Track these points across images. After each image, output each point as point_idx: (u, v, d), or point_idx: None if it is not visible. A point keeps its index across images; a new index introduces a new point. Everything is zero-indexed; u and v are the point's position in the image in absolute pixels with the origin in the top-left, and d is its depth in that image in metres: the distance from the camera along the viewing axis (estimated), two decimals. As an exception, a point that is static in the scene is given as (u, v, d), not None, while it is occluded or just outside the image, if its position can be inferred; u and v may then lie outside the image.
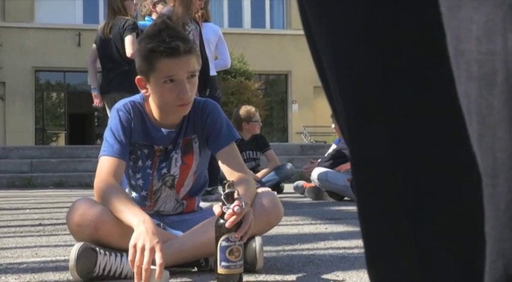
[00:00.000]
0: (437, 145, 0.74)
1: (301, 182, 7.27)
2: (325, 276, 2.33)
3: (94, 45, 6.39)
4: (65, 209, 5.52)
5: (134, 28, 6.02)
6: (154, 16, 6.48)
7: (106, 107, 6.32)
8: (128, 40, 5.96)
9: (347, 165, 6.41)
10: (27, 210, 5.61)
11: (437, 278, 0.75)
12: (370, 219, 0.81)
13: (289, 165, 7.89)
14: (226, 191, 2.18)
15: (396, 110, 0.75)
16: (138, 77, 2.54)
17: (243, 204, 2.17)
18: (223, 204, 2.18)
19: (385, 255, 0.80)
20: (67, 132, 25.72)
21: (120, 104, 2.64)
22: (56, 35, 23.25)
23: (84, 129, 26.97)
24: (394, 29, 0.74)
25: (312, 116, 25.02)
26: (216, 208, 2.20)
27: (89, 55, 6.51)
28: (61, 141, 25.77)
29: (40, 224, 4.30)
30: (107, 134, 2.56)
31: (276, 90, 26.16)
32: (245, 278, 2.28)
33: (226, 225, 2.15)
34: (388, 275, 0.80)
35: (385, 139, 0.76)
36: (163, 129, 2.61)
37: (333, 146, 7.38)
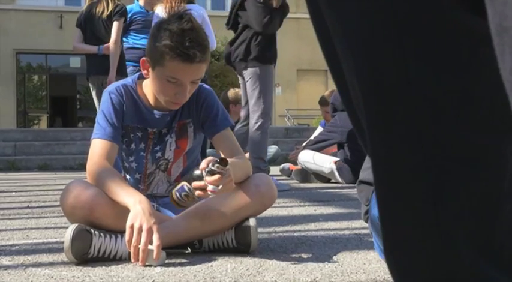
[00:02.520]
0: (459, 130, 0.75)
1: (287, 165, 7.29)
2: (319, 257, 2.34)
3: (78, 30, 6.36)
4: (51, 191, 5.55)
5: (123, 14, 6.04)
6: (141, 1, 6.42)
7: (91, 89, 6.30)
8: (115, 26, 6.00)
9: (333, 148, 6.44)
10: (14, 193, 5.58)
11: (458, 258, 0.76)
12: (389, 202, 0.81)
13: (275, 148, 7.91)
14: (215, 168, 2.18)
15: (418, 97, 0.75)
16: (144, 58, 2.52)
17: (220, 184, 2.19)
18: (207, 173, 2.19)
19: (405, 238, 0.80)
20: (49, 115, 25.58)
21: (112, 86, 2.62)
22: (37, 17, 23.06)
23: (66, 112, 26.83)
24: (414, 16, 0.73)
25: (295, 99, 25.04)
26: (204, 163, 2.21)
27: (74, 39, 6.46)
28: (43, 124, 25.61)
29: (28, 207, 4.29)
30: (99, 116, 2.55)
31: (259, 73, 26.11)
32: (239, 258, 2.30)
33: (192, 185, 2.25)
34: (409, 257, 0.80)
35: (407, 127, 0.76)
36: (156, 112, 2.61)
37: (319, 129, 7.40)
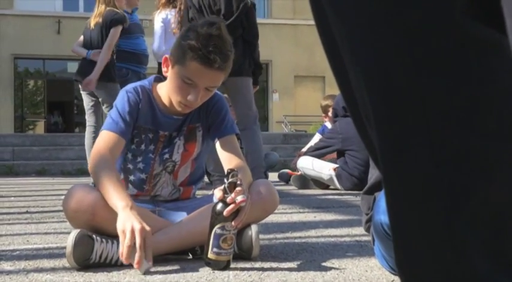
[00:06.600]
0: (471, 138, 0.74)
1: (285, 171, 7.28)
2: (321, 263, 2.34)
3: (82, 37, 6.41)
4: (50, 196, 5.54)
5: (120, 21, 6.12)
6: (119, 3, 6.45)
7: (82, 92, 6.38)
8: (112, 32, 6.07)
9: (333, 155, 6.43)
10: (12, 198, 5.57)
11: (472, 269, 0.76)
12: (401, 213, 0.81)
13: (274, 154, 7.91)
14: (230, 180, 2.19)
15: (429, 106, 0.74)
16: (166, 55, 2.54)
17: (246, 196, 2.20)
18: (225, 192, 2.19)
19: (418, 249, 0.80)
20: (46, 120, 25.57)
21: (129, 86, 2.65)
22: (35, 23, 23.08)
23: (63, 117, 26.81)
24: (424, 25, 0.73)
25: (292, 105, 25.06)
26: (218, 192, 2.21)
27: (75, 43, 6.51)
28: (39, 129, 25.59)
29: (27, 212, 4.28)
30: (112, 111, 2.56)
31: (256, 80, 26.15)
32: (241, 264, 2.30)
33: (225, 213, 2.17)
34: (421, 268, 0.80)
35: (419, 137, 0.76)
36: (170, 116, 2.62)
37: (317, 135, 7.40)
